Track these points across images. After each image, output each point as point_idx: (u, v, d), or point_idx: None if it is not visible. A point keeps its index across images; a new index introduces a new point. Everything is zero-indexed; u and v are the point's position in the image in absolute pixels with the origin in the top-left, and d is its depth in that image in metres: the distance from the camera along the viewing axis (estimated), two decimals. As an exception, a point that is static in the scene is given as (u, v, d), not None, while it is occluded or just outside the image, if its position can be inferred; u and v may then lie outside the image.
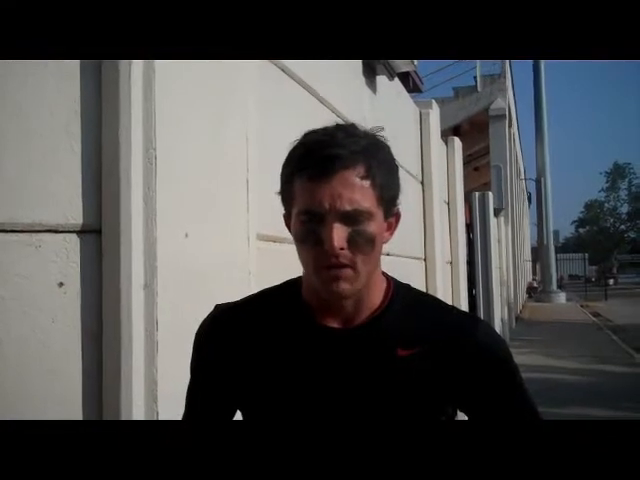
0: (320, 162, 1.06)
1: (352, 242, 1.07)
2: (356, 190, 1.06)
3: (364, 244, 1.08)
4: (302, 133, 1.14)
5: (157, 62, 1.69)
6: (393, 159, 1.16)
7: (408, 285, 1.25)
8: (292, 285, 1.23)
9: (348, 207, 1.06)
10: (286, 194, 1.14)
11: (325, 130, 1.12)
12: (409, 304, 1.20)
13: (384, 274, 1.22)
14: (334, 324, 1.16)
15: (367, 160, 1.08)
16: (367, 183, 1.08)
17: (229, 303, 1.27)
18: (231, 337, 1.21)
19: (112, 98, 1.67)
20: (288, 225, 1.19)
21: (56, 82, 1.65)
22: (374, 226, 1.09)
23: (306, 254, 1.10)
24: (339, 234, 1.05)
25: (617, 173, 68.01)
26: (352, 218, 1.07)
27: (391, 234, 1.18)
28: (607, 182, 68.78)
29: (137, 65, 1.67)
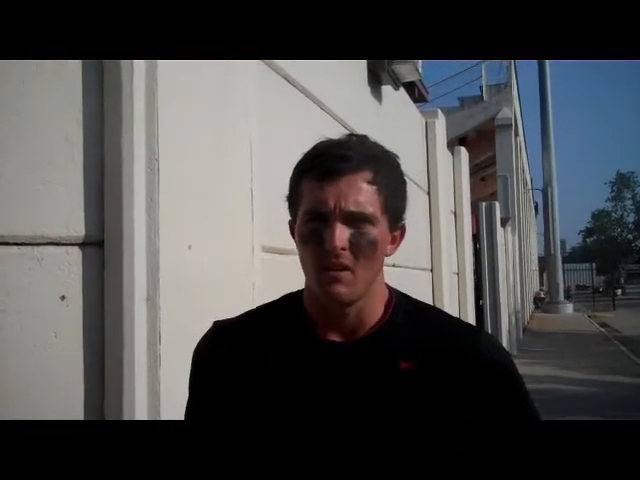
0: (329, 162, 1.07)
1: (354, 244, 1.07)
2: (362, 193, 1.07)
3: (365, 247, 1.08)
4: (312, 143, 1.14)
5: (159, 71, 1.68)
6: (402, 174, 1.17)
7: (408, 296, 1.23)
8: (291, 299, 1.22)
9: (353, 208, 1.06)
10: (294, 196, 1.14)
11: (338, 138, 1.13)
12: (411, 316, 1.18)
13: (386, 286, 1.21)
14: (336, 338, 1.15)
15: (375, 167, 1.09)
16: (373, 188, 1.08)
17: (228, 319, 1.25)
18: (231, 354, 1.19)
19: (114, 108, 1.66)
20: (293, 232, 1.17)
21: (57, 91, 1.64)
22: (377, 232, 1.09)
23: (308, 255, 1.09)
24: (341, 234, 1.05)
25: (621, 183, 67.98)
26: (356, 220, 1.07)
27: (395, 248, 1.17)
28: (612, 192, 68.81)
29: (139, 74, 1.66)
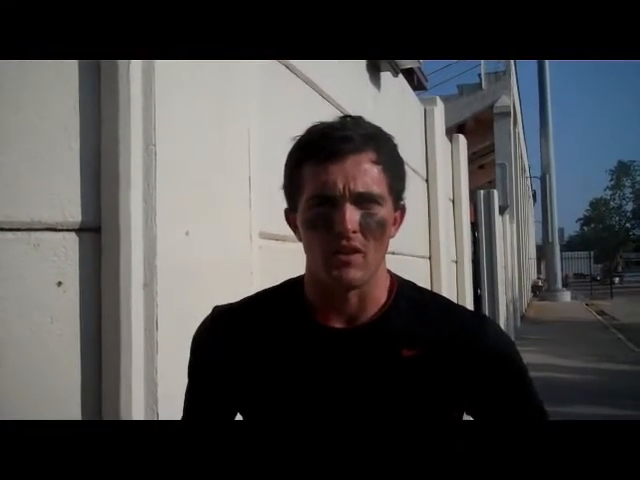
0: (330, 144, 1.05)
1: (364, 226, 1.05)
2: (368, 173, 1.05)
3: (376, 229, 1.06)
4: (306, 128, 1.11)
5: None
6: (399, 154, 1.15)
7: (413, 283, 1.22)
8: (292, 285, 1.21)
9: (362, 189, 1.04)
10: (293, 182, 1.11)
11: (332, 121, 1.11)
12: (414, 302, 1.17)
13: (388, 271, 1.19)
14: (337, 324, 1.14)
15: (377, 146, 1.07)
16: (378, 168, 1.07)
17: (228, 304, 1.24)
18: (231, 339, 1.18)
19: (111, 94, 1.64)
20: (289, 221, 1.16)
21: (55, 79, 1.62)
22: (385, 212, 1.08)
23: (316, 240, 1.07)
24: (352, 217, 1.03)
25: (621, 171, 67.94)
26: (365, 201, 1.05)
27: (396, 229, 1.16)
28: (612, 180, 68.79)
29: (137, 61, 1.64)
